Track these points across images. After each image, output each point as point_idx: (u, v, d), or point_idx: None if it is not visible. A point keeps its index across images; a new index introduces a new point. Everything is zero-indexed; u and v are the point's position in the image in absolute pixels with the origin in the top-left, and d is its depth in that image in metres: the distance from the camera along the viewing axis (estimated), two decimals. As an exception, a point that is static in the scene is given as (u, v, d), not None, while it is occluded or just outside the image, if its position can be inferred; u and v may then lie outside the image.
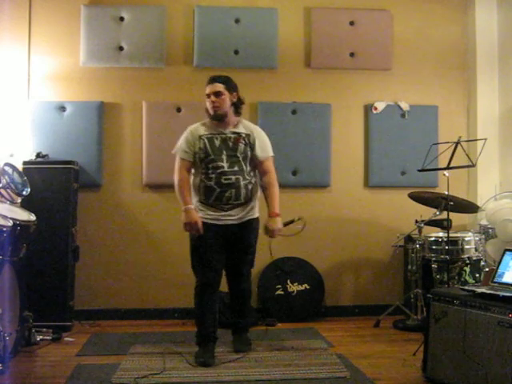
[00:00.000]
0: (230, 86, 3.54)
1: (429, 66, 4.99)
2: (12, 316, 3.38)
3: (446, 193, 3.90)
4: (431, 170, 4.07)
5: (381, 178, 4.89)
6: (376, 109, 4.88)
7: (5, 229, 3.21)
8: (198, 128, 3.56)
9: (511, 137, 4.75)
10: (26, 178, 3.91)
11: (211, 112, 3.51)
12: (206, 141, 3.50)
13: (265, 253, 4.68)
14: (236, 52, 4.78)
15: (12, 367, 3.18)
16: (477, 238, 4.22)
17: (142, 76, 4.76)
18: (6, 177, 3.69)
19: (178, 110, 4.73)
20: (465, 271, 4.22)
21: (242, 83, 4.75)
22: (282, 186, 4.71)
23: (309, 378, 3.12)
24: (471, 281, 4.19)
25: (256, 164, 3.58)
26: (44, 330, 3.86)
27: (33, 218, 3.63)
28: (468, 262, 4.18)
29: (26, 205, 3.92)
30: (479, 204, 4.56)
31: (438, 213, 4.13)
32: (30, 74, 4.62)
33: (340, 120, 4.89)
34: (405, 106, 4.90)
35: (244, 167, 3.50)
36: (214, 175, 3.45)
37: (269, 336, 4.05)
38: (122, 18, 4.69)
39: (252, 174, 3.57)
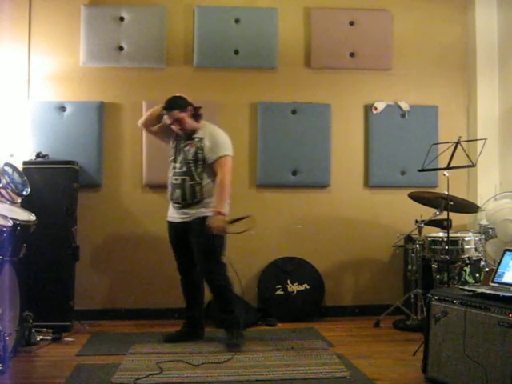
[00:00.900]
0: (183, 105, 3.76)
1: (429, 66, 4.99)
2: (12, 316, 3.38)
3: (446, 193, 3.90)
4: (431, 170, 4.08)
5: (381, 178, 4.88)
6: (376, 109, 4.88)
7: (5, 229, 3.21)
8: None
9: (511, 137, 4.75)
10: (25, 177, 3.91)
11: (180, 133, 3.82)
12: (175, 142, 3.87)
13: (264, 253, 4.73)
14: (236, 52, 4.78)
15: (12, 367, 3.17)
16: (477, 238, 4.22)
17: (142, 76, 4.76)
18: (6, 177, 3.69)
19: (178, 109, 4.72)
20: (465, 271, 4.22)
21: (242, 83, 4.83)
22: (282, 185, 4.79)
23: (309, 378, 3.12)
24: (471, 281, 4.19)
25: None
26: (44, 329, 3.86)
27: (33, 217, 3.63)
28: (468, 261, 4.17)
29: (26, 205, 3.92)
30: (479, 204, 4.56)
31: (438, 213, 4.12)
32: (30, 74, 4.62)
33: (340, 120, 4.89)
34: (405, 106, 4.90)
35: (193, 169, 3.71)
36: (170, 175, 3.84)
37: (269, 336, 4.05)
38: (122, 18, 4.69)
39: (205, 175, 3.73)
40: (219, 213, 3.63)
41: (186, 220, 3.76)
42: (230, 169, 3.75)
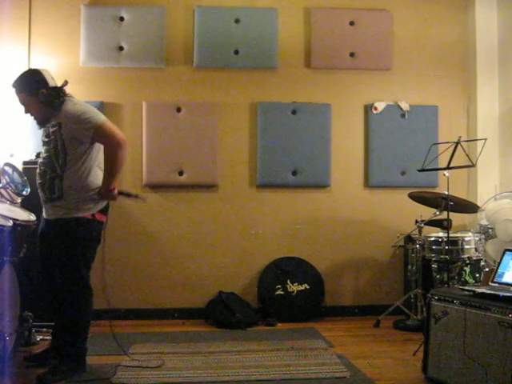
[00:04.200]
0: (31, 88, 3.15)
1: (429, 66, 4.99)
2: (12, 316, 3.38)
3: (446, 193, 3.90)
4: (431, 170, 4.07)
5: (381, 177, 4.89)
6: (376, 109, 4.88)
7: (5, 229, 3.21)
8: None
9: (511, 137, 4.75)
10: (25, 178, 3.91)
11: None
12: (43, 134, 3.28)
13: (264, 253, 4.73)
14: (236, 52, 4.78)
15: (12, 367, 3.17)
16: (477, 238, 4.22)
17: (142, 76, 4.76)
18: (6, 177, 3.69)
19: (178, 110, 4.73)
20: (465, 271, 4.22)
21: (242, 83, 4.83)
22: (282, 186, 4.79)
23: (309, 378, 3.12)
24: (471, 281, 4.18)
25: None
26: (44, 329, 3.87)
27: (33, 217, 3.62)
28: (468, 261, 4.17)
29: (26, 205, 3.91)
30: (479, 204, 4.56)
31: (437, 213, 4.13)
32: (30, 74, 4.62)
33: (340, 120, 4.89)
34: (405, 106, 4.90)
35: (54, 159, 3.12)
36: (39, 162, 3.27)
37: (269, 336, 4.05)
38: (122, 18, 4.69)
39: (68, 167, 3.11)
40: (108, 190, 3.14)
41: (47, 218, 3.22)
42: (114, 133, 3.10)
